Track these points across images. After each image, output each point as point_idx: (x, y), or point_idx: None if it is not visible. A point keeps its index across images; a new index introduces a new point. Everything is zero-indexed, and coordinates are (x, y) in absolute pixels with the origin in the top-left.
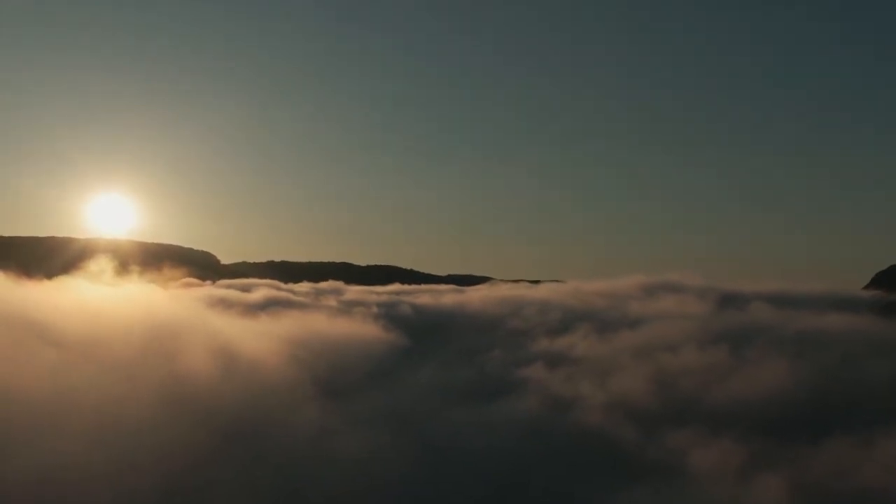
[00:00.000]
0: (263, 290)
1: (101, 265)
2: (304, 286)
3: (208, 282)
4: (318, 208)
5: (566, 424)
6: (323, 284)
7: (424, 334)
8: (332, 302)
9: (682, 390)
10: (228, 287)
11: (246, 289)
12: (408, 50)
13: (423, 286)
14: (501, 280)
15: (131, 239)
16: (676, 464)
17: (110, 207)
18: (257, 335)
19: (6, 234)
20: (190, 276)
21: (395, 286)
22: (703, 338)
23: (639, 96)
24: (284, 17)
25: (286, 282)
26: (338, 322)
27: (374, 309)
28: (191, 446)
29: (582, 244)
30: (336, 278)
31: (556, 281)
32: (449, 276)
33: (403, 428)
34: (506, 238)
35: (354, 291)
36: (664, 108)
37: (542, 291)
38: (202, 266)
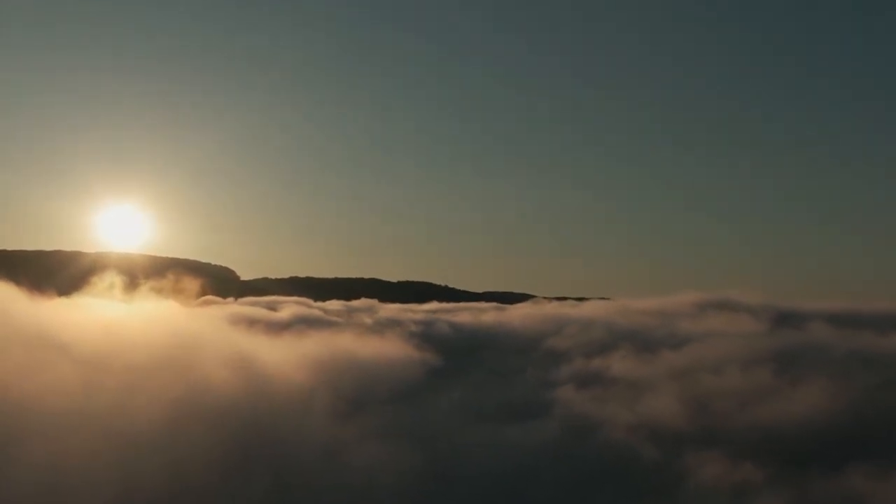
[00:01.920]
0: (291, 307)
1: (113, 281)
2: (336, 304)
3: (230, 298)
4: (345, 220)
5: (588, 446)
6: (356, 302)
7: (460, 354)
8: (366, 320)
9: (715, 412)
10: (253, 304)
11: (272, 306)
12: (444, 54)
13: (462, 304)
14: (544, 297)
15: (144, 253)
16: (689, 485)
17: (121, 219)
18: (287, 355)
19: (10, 248)
20: (208, 292)
21: (434, 304)
22: (749, 358)
23: (693, 105)
24: (311, 20)
25: (311, 299)
26: (371, 341)
27: (411, 328)
28: (220, 470)
29: (632, 259)
30: (365, 295)
31: (603, 298)
32: (486, 293)
33: (421, 447)
34: (548, 253)
35: (390, 310)
36: (721, 117)
37: (587, 309)
38: (221, 282)
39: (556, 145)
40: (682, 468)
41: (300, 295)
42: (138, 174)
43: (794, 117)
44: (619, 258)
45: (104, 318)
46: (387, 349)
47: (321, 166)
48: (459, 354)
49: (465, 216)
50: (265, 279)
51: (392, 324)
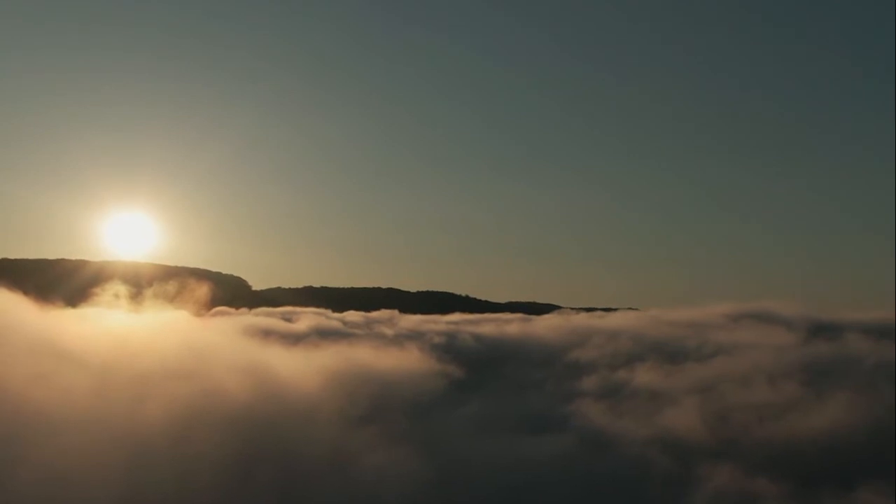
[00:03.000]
0: (309, 318)
1: (119, 291)
2: (355, 315)
3: (243, 309)
4: (361, 228)
5: (602, 459)
6: (376, 313)
7: (482, 366)
8: (386, 332)
9: (735, 425)
10: (268, 315)
11: (288, 317)
12: (459, 55)
13: (486, 315)
14: (571, 308)
15: (152, 262)
16: (700, 499)
17: (127, 226)
18: (305, 368)
19: (12, 256)
20: (218, 302)
21: (457, 315)
22: (778, 371)
23: (730, 109)
24: (330, 22)
25: (326, 309)
26: (391, 353)
27: (433, 339)
28: (234, 481)
29: (664, 269)
30: (383, 306)
31: (632, 309)
32: (510, 303)
33: (434, 459)
34: (574, 262)
35: (411, 321)
36: (761, 122)
37: (615, 320)
38: (231, 292)
39: (583, 149)
40: (694, 482)
41: (315, 305)
42: (145, 179)
43: (839, 122)
44: (651, 267)
45: (115, 329)
46: (407, 361)
47: (336, 172)
48: (481, 367)
49: (486, 223)
50: (278, 289)
51: (413, 335)
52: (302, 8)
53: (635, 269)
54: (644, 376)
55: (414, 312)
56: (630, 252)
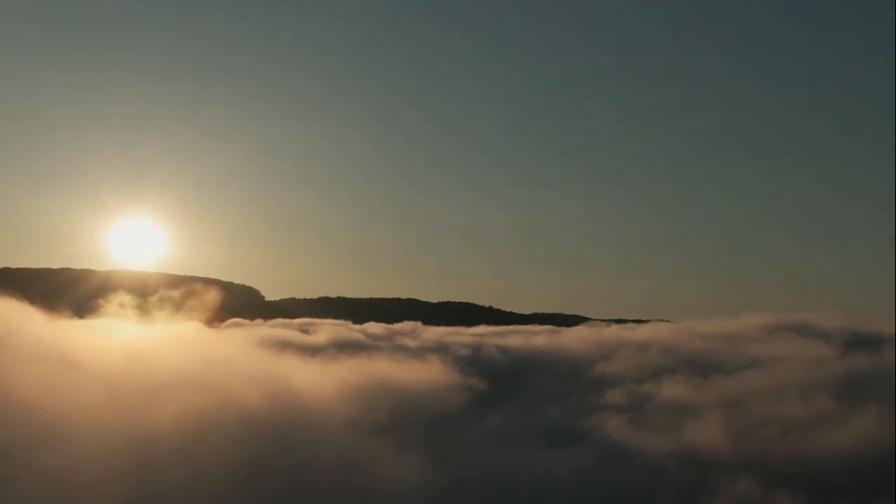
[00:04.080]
0: (328, 330)
1: (127, 301)
2: (376, 327)
3: (258, 320)
4: (379, 236)
5: (619, 474)
6: (398, 325)
7: (507, 379)
8: (409, 344)
9: (759, 440)
10: (285, 326)
11: (305, 329)
12: (487, 60)
13: (512, 327)
14: (600, 320)
15: (160, 271)
16: None
17: (134, 234)
18: (327, 382)
19: (14, 265)
20: (230, 313)
21: (482, 328)
22: (811, 384)
23: (765, 116)
24: (349, 26)
25: (343, 319)
26: (414, 366)
27: (459, 351)
28: (247, 496)
29: (701, 279)
30: (403, 316)
31: (664, 321)
32: (535, 314)
33: (450, 472)
34: (602, 271)
35: (434, 333)
36: (798, 127)
37: (646, 332)
38: (244, 302)
39: (612, 156)
40: (711, 495)
41: (331, 317)
42: (153, 183)
43: (882, 129)
44: (685, 278)
45: (126, 340)
46: (431, 374)
47: (353, 177)
48: (506, 380)
49: (509, 231)
50: (292, 299)
51: (438, 348)
52: (322, 7)
53: (669, 279)
54: (671, 390)
55: (435, 324)
56: (663, 262)
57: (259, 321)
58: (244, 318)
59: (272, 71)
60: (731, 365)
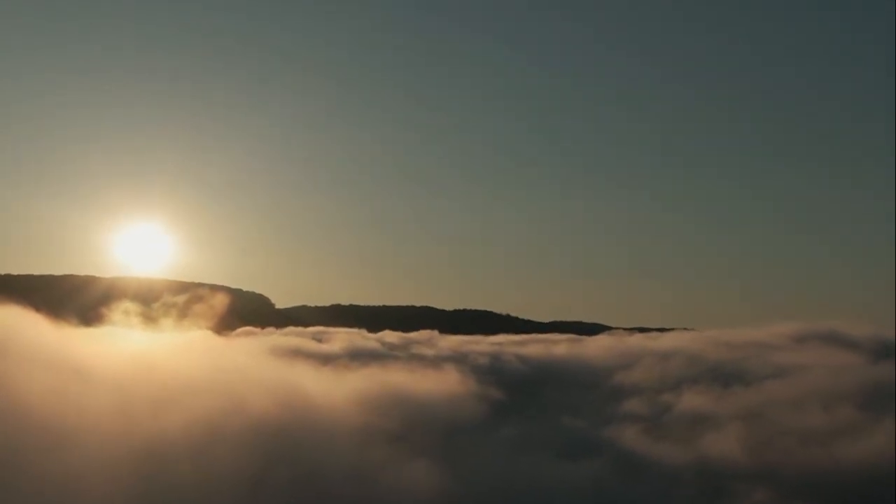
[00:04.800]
0: (343, 338)
1: (133, 308)
2: (392, 335)
3: (269, 328)
4: (391, 242)
5: (634, 484)
6: (414, 334)
7: (525, 389)
8: (427, 353)
9: (778, 450)
10: (299, 335)
11: (319, 337)
12: (504, 62)
13: (532, 336)
14: (623, 328)
15: (166, 278)
16: None
17: (140, 240)
18: (345, 392)
19: (15, 272)
20: (239, 321)
21: (501, 336)
22: (836, 394)
23: (797, 115)
24: (363, 22)
25: (355, 328)
26: (432, 375)
27: (478, 360)
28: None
29: (727, 286)
30: (417, 324)
31: (687, 329)
32: (554, 322)
33: (464, 482)
34: (623, 278)
35: (452, 341)
36: (829, 128)
37: (669, 341)
38: (253, 310)
39: (632, 160)
40: None
41: (343, 324)
42: (158, 188)
43: None
44: (711, 285)
45: (136, 349)
46: (448, 384)
47: (364, 183)
48: (525, 389)
49: (526, 236)
50: (303, 307)
51: (457, 357)
52: (334, 9)
53: (694, 286)
54: (692, 400)
55: (451, 332)
56: (688, 268)
57: (270, 329)
58: (254, 326)
59: (283, 72)
60: (754, 374)
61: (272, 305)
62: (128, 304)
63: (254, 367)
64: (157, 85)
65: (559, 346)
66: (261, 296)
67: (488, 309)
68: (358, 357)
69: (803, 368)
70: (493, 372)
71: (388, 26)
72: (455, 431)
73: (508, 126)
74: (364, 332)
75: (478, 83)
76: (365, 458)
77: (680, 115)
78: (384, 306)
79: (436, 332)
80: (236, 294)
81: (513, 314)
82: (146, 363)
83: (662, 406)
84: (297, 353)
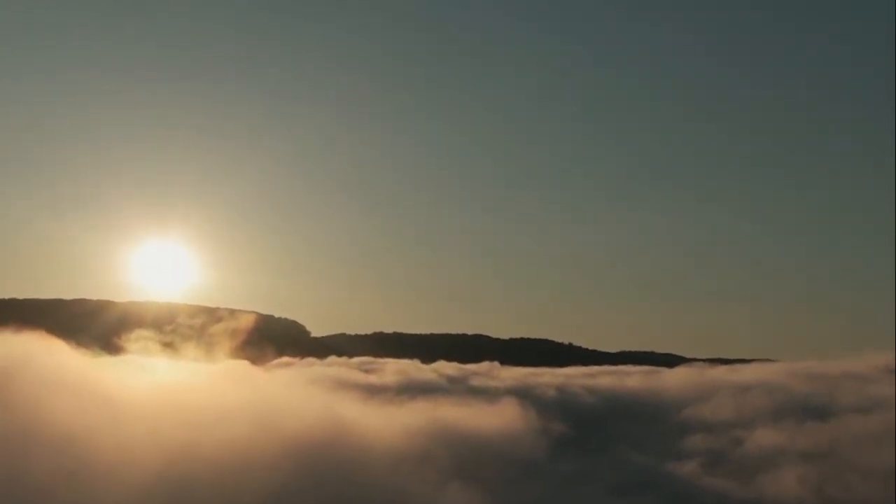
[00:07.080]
0: (394, 369)
1: (151, 335)
2: (447, 366)
3: (310, 358)
4: (436, 264)
5: None
6: (472, 366)
7: (590, 422)
8: (489, 385)
9: (846, 491)
10: (343, 365)
11: (366, 368)
12: (562, 66)
13: (604, 367)
14: (698, 359)
15: (188, 302)
16: None
17: (158, 260)
18: (402, 428)
19: (21, 296)
20: (271, 351)
21: (571, 369)
22: None
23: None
24: (390, 37)
25: (398, 357)
26: (494, 410)
27: (546, 393)
28: None
29: (816, 314)
30: (470, 354)
31: (770, 360)
32: (623, 353)
33: None
34: (700, 305)
35: (516, 374)
36: None
37: (749, 374)
38: (287, 338)
39: (714, 170)
40: None
41: (387, 354)
42: (181, 204)
43: None
44: (798, 312)
45: (170, 379)
46: (509, 418)
47: (406, 199)
48: (591, 423)
49: (587, 259)
50: (342, 335)
51: (519, 390)
52: (368, 14)
53: (778, 313)
54: (764, 435)
55: (509, 362)
56: (772, 293)
57: (311, 360)
58: (290, 355)
59: (329, 73)
60: (835, 408)
61: (308, 333)
62: (146, 331)
63: (298, 399)
64: (176, 85)
65: (632, 378)
66: (295, 323)
67: (547, 337)
68: (413, 390)
69: (890, 403)
70: (559, 405)
71: (441, 33)
72: (510, 466)
73: (576, 142)
74: (417, 362)
75: (531, 90)
76: (417, 494)
77: (749, 127)
78: (432, 334)
79: (496, 363)
80: (268, 321)
81: (574, 343)
82: (181, 394)
83: (732, 441)
84: (346, 385)
